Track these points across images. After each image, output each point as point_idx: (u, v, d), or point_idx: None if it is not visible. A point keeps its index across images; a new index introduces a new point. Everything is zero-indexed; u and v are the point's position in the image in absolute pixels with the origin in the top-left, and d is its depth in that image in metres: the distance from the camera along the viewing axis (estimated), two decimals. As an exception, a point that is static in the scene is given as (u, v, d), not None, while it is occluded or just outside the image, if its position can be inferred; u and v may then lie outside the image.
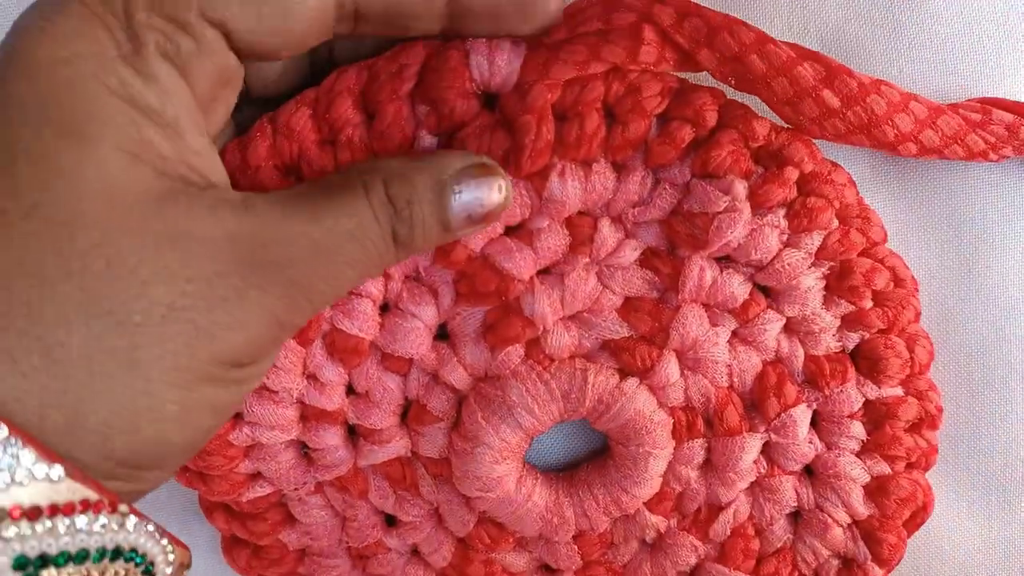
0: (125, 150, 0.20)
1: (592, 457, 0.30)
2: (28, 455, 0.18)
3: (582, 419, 0.28)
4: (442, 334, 0.28)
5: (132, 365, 0.19)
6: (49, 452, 0.18)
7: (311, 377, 0.27)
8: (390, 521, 0.30)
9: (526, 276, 0.27)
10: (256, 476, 0.29)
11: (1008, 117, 0.27)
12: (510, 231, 0.27)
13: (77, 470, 0.19)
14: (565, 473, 0.29)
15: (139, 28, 0.20)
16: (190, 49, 0.21)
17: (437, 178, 0.23)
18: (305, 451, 0.29)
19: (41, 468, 0.18)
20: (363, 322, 0.27)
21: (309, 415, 0.28)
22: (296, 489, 0.29)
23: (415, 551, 0.30)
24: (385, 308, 0.27)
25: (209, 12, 0.21)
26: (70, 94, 0.19)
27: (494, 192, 0.24)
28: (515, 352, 0.27)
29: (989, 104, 0.27)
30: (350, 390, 0.28)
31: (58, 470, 0.18)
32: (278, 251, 0.21)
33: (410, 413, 0.28)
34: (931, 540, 0.29)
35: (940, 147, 0.26)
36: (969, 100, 0.27)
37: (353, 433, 0.29)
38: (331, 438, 0.28)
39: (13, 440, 0.18)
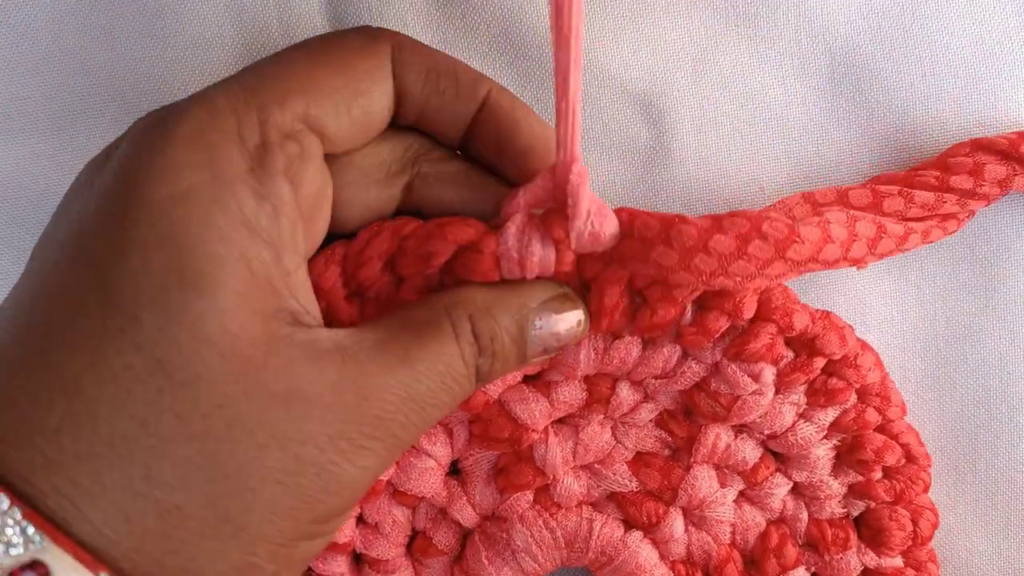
0: (239, 292, 0.19)
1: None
2: None
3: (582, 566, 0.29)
4: (453, 467, 0.28)
5: (241, 528, 0.19)
6: None
7: (324, 510, 0.28)
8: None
9: (540, 427, 0.27)
10: None
11: (929, 196, 0.26)
12: (528, 379, 0.27)
13: None
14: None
15: (261, 144, 0.21)
16: (297, 157, 0.21)
17: (519, 311, 0.23)
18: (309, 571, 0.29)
19: None
20: None
21: (318, 543, 0.28)
22: None
23: None
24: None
25: (312, 121, 0.21)
26: (188, 234, 0.19)
27: (573, 325, 0.24)
28: (524, 498, 0.28)
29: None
30: (359, 519, 0.28)
31: None
32: (379, 405, 0.21)
33: (415, 543, 0.29)
34: (947, 560, 0.29)
35: (866, 255, 0.24)
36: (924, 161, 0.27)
37: (358, 559, 0.29)
38: (337, 567, 0.28)
39: None
